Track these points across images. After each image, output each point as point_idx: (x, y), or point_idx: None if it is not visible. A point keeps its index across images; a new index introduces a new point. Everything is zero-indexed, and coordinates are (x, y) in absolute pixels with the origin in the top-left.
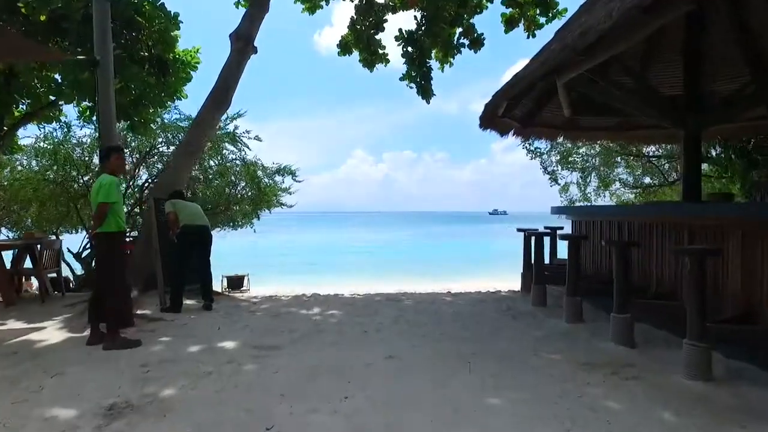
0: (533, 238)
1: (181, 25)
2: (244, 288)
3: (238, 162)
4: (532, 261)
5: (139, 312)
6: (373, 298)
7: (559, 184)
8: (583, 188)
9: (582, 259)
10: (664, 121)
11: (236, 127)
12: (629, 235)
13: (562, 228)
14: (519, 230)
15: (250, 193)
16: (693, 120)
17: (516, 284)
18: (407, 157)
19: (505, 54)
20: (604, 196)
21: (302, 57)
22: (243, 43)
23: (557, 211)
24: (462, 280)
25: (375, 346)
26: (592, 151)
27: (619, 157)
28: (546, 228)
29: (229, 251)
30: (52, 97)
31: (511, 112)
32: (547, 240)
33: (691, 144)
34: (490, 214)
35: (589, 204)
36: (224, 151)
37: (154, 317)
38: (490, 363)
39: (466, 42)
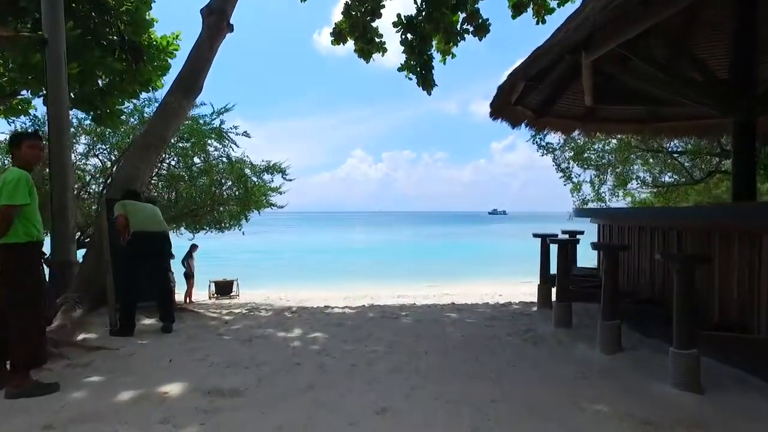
0: (555, 246)
1: (154, 5)
2: (233, 293)
3: (224, 159)
4: (550, 271)
5: (81, 337)
6: (366, 314)
7: (573, 183)
8: (597, 187)
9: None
10: (710, 108)
11: (222, 122)
12: (678, 244)
13: (582, 233)
14: (536, 235)
15: (237, 193)
16: (745, 106)
17: (525, 292)
18: (406, 156)
19: (504, 54)
20: (618, 196)
21: (301, 56)
22: (216, 18)
23: (582, 213)
24: (464, 283)
25: (363, 390)
26: (607, 147)
27: (636, 154)
28: (564, 232)
29: (225, 252)
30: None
31: (524, 99)
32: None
33: (743, 134)
34: (489, 213)
35: (612, 206)
36: (209, 147)
37: (94, 345)
38: (516, 418)
39: (470, 28)
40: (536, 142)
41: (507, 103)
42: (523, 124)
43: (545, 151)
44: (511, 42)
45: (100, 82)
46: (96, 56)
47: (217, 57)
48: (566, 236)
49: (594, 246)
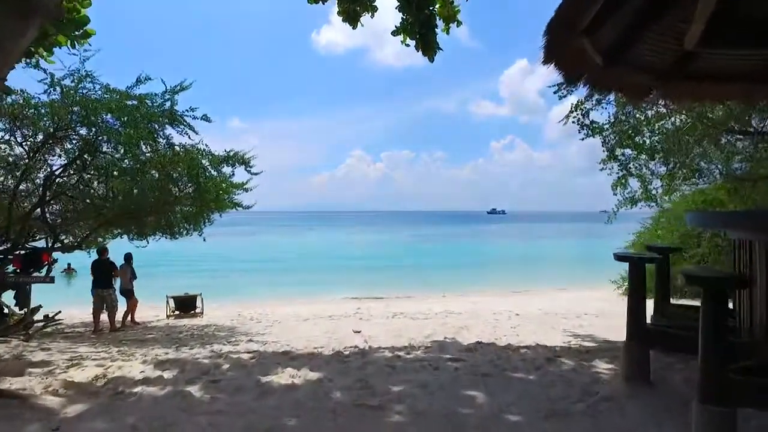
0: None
1: None
2: (196, 310)
3: (175, 147)
4: (646, 317)
5: None
6: (381, 358)
7: (631, 174)
8: (648, 181)
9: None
10: None
11: (173, 104)
12: None
13: (674, 249)
14: (620, 258)
15: (190, 190)
16: None
17: (545, 311)
18: (405, 156)
19: (503, 53)
20: (678, 191)
21: (300, 56)
22: None
23: (705, 221)
24: (469, 292)
25: None
26: (670, 126)
27: (707, 135)
28: (651, 248)
29: (207, 257)
30: None
31: (595, 32)
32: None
33: None
34: (488, 213)
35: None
36: (157, 134)
37: None
38: None
39: None
40: (577, 118)
41: (570, 37)
42: (581, 81)
43: (590, 132)
44: (509, 42)
45: None
46: None
47: (216, 56)
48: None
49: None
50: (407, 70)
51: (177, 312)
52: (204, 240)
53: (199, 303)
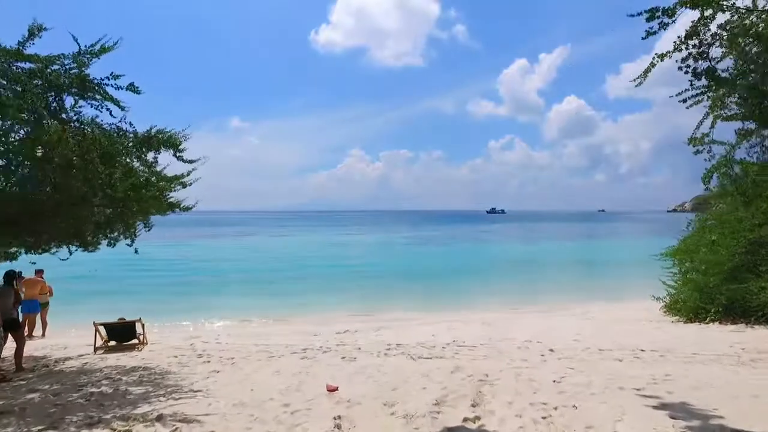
0: None
1: None
2: (139, 338)
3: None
4: None
5: None
6: None
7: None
8: None
9: None
10: None
11: (81, 69)
12: None
13: None
14: None
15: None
16: None
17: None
18: (404, 156)
19: (502, 53)
20: None
21: (299, 55)
22: None
23: None
24: (494, 308)
25: None
26: None
27: None
28: None
29: (181, 262)
30: None
31: None
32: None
33: None
34: (487, 212)
35: None
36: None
37: None
38: None
39: None
40: (691, 56)
41: None
42: None
43: (709, 85)
44: (508, 42)
45: None
46: None
47: (215, 56)
48: None
49: None
50: (406, 70)
51: (108, 343)
52: (136, 252)
53: (140, 329)
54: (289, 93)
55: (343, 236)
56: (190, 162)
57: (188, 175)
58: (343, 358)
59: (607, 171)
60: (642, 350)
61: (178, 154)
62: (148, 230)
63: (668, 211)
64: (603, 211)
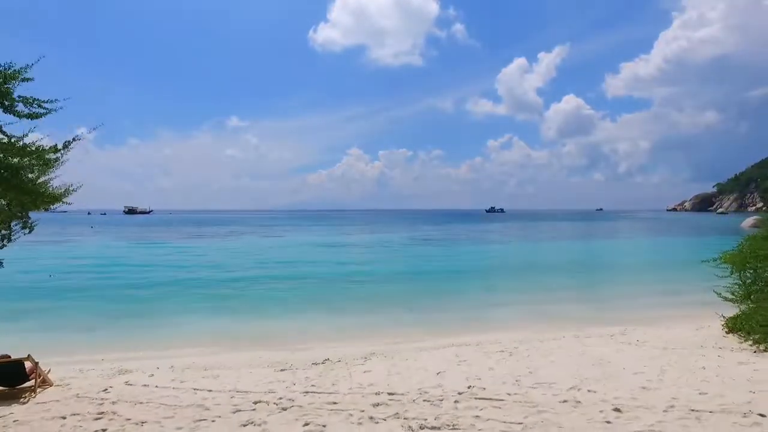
0: None
1: None
2: (30, 383)
3: None
4: None
5: None
6: None
7: None
8: None
9: None
10: None
11: None
12: None
13: None
14: None
15: None
16: None
17: None
18: (403, 155)
19: (501, 53)
20: None
21: (297, 54)
22: None
23: None
24: (514, 326)
25: None
26: None
27: None
28: None
29: (153, 266)
30: None
31: None
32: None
33: None
34: (487, 211)
35: None
36: None
37: None
38: None
39: None
40: None
41: None
42: None
43: None
44: (507, 40)
45: None
46: None
47: (214, 55)
48: None
49: None
50: (404, 69)
51: None
52: (1, 265)
53: (35, 371)
54: (287, 92)
55: (340, 236)
56: (35, 117)
57: (66, 148)
58: (306, 426)
59: (605, 170)
60: (762, 415)
61: (7, 103)
62: (29, 232)
63: (668, 210)
64: (601, 209)
